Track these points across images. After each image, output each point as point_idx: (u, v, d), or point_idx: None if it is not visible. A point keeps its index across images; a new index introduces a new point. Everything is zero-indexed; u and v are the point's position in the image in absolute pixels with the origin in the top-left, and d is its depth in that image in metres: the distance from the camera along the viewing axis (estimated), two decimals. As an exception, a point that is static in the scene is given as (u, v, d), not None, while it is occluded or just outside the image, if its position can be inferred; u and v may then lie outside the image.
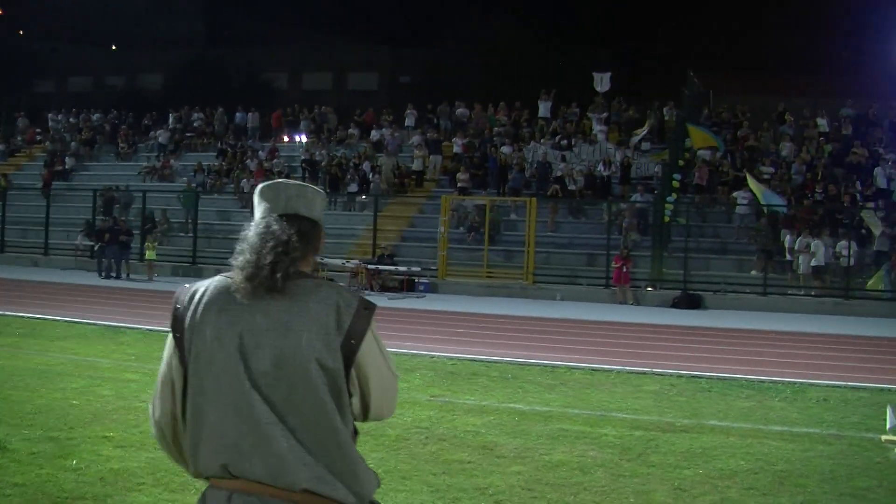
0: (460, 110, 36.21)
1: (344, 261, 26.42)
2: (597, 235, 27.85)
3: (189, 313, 2.55)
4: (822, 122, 30.98)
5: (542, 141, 32.62)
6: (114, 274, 27.92)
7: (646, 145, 31.36)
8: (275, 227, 2.56)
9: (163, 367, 2.62)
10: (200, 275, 28.69)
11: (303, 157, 35.05)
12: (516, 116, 35.16)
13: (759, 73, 44.70)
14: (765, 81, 42.08)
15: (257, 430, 2.43)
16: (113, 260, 28.01)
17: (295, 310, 2.47)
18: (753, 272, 25.49)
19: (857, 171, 27.62)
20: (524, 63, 51.33)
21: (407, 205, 32.09)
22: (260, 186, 2.70)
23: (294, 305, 2.47)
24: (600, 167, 30.34)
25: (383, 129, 35.91)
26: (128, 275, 28.01)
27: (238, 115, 40.10)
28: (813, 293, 24.36)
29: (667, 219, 26.80)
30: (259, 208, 2.67)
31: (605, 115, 33.09)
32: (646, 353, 15.22)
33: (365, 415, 2.59)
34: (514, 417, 9.53)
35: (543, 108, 34.54)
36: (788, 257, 25.04)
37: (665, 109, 32.78)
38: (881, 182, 26.78)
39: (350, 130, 36.98)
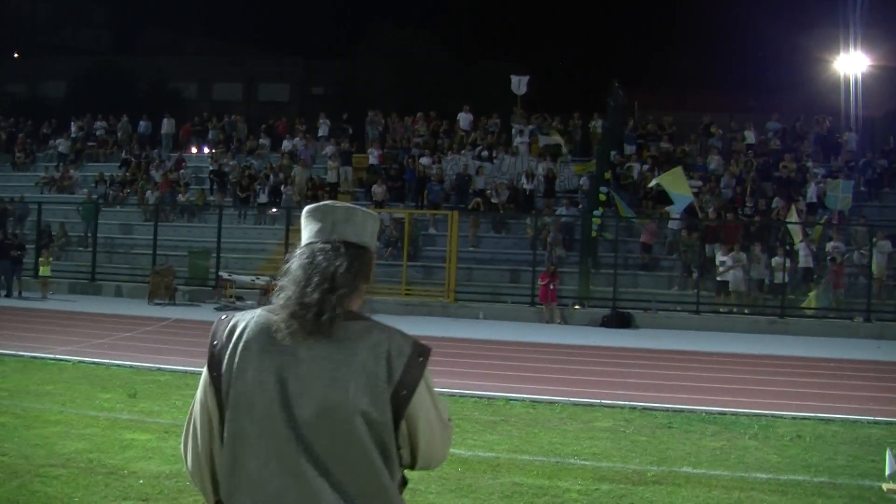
0: (374, 118, 35.24)
1: (254, 277, 24.77)
2: (521, 251, 27.00)
3: (228, 351, 2.39)
4: (750, 135, 30.48)
5: (462, 152, 31.46)
6: (4, 292, 25.71)
7: (564, 158, 30.61)
8: (320, 258, 2.42)
9: (196, 406, 2.48)
10: (99, 292, 27.60)
11: (211, 168, 33.47)
12: (435, 127, 34.04)
13: (680, 90, 44.41)
14: (686, 97, 41.77)
15: (302, 483, 2.29)
16: (3, 276, 25.98)
17: (342, 356, 2.33)
18: (675, 289, 24.97)
19: (787, 184, 26.94)
20: (441, 76, 50.71)
21: None
22: (306, 209, 2.56)
23: (341, 351, 2.33)
24: (523, 180, 29.51)
25: (296, 140, 34.45)
26: (20, 292, 25.82)
27: (141, 123, 38.20)
28: (746, 311, 23.52)
29: (594, 234, 26.05)
30: (304, 233, 2.54)
31: (528, 127, 32.25)
32: (586, 379, 14.03)
33: (413, 464, 2.47)
34: (455, 468, 7.97)
35: (464, 120, 33.74)
36: (721, 270, 24.23)
37: (591, 123, 32.31)
38: (811, 196, 26.21)
39: (261, 140, 35.46)
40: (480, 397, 12.00)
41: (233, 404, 2.37)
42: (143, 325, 19.90)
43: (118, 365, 14.03)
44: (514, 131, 32.48)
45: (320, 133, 35.53)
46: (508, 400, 11.88)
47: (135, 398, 11.23)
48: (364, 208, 2.58)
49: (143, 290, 25.67)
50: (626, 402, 11.77)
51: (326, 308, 2.32)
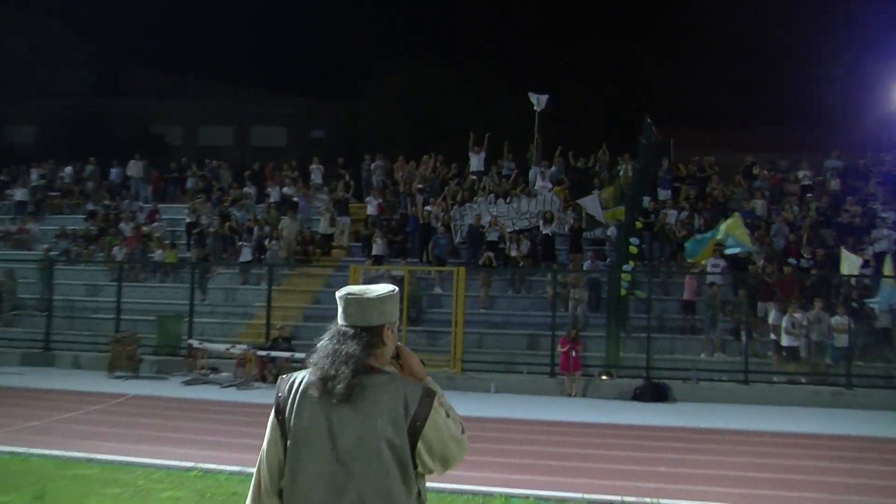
0: (376, 163, 34.81)
1: (229, 345, 24.04)
2: (539, 312, 26.21)
3: (289, 401, 3.78)
4: (805, 175, 29.76)
5: (473, 200, 30.70)
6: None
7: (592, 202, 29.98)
8: (337, 340, 3.79)
9: (266, 447, 3.84)
10: (53, 363, 26.61)
11: (187, 220, 32.98)
12: (442, 172, 33.39)
13: (719, 126, 43.56)
14: (726, 134, 40.84)
15: (341, 495, 3.61)
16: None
17: (370, 401, 3.65)
18: (719, 355, 24.26)
19: (851, 231, 26.05)
20: (455, 114, 50.37)
21: (310, 277, 30.25)
22: (344, 296, 3.88)
23: (370, 397, 3.65)
24: (540, 223, 29.28)
25: (285, 188, 34.13)
26: (-39, 365, 24.92)
27: (113, 171, 37.83)
28: (805, 380, 22.52)
29: (623, 292, 25.26)
30: (339, 313, 3.88)
31: (550, 169, 31.77)
32: (609, 468, 12.88)
33: (434, 471, 3.76)
34: None
35: (475, 162, 33.14)
36: (772, 336, 23.34)
37: (617, 166, 31.78)
38: (882, 245, 25.27)
39: (245, 189, 34.99)
40: (474, 493, 10.77)
41: (293, 439, 3.70)
42: (93, 402, 18.95)
43: (39, 455, 12.90)
44: (532, 174, 32.02)
45: (312, 179, 35.19)
46: (508, 497, 10.72)
47: (41, 502, 10.03)
48: (383, 289, 3.88)
49: (105, 360, 24.68)
50: (656, 501, 10.49)
51: (341, 380, 3.62)
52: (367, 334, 3.77)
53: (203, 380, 23.31)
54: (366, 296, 3.83)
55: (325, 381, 3.65)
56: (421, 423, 3.64)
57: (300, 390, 3.75)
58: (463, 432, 3.81)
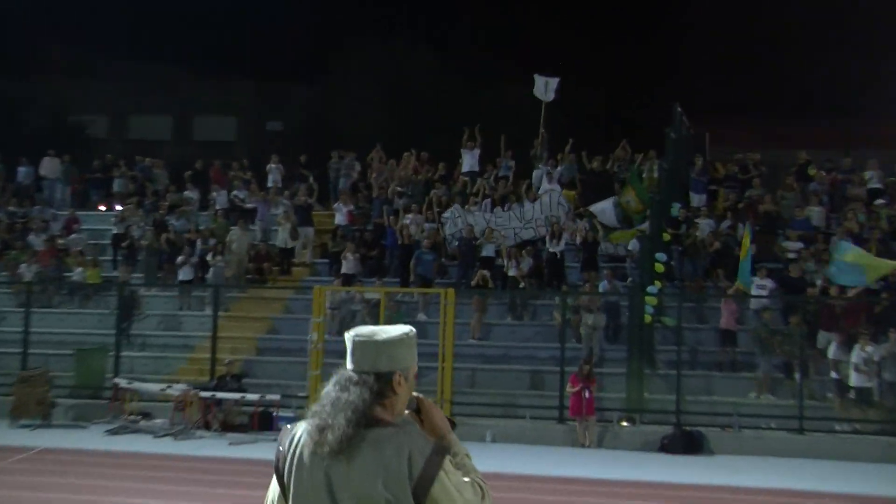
0: (346, 161, 35.11)
1: (165, 385, 24.24)
2: (545, 344, 26.35)
3: (289, 455, 4.02)
4: (872, 176, 29.95)
5: (466, 207, 30.96)
6: None
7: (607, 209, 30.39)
8: (339, 388, 4.06)
9: (266, 499, 4.17)
10: None
11: (114, 231, 33.06)
12: (427, 173, 33.68)
13: (765, 117, 43.62)
14: (778, 127, 40.90)
15: None
16: None
17: (372, 457, 3.84)
18: (767, 396, 24.31)
19: None
20: (443, 102, 50.87)
21: (266, 300, 30.46)
22: (351, 337, 4.20)
23: (372, 453, 3.85)
24: (546, 238, 29.47)
25: (235, 192, 34.30)
26: None
27: (20, 170, 37.82)
28: (875, 430, 22.58)
29: (648, 319, 25.29)
30: (347, 357, 4.18)
31: (558, 168, 32.07)
32: None
33: None
34: None
35: (468, 160, 33.37)
36: (833, 374, 23.38)
37: (638, 164, 32.19)
38: None
39: (186, 193, 35.10)
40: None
41: (292, 496, 4.01)
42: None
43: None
44: (535, 176, 32.27)
45: (270, 180, 35.36)
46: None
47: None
48: (395, 331, 4.20)
49: (8, 405, 24.54)
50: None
51: (335, 430, 3.88)
52: (376, 381, 4.02)
53: (132, 428, 23.22)
54: (374, 338, 4.12)
55: (321, 432, 3.89)
56: (427, 484, 3.81)
57: (300, 444, 4.00)
58: (484, 498, 4.00)
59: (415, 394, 4.17)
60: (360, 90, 53.32)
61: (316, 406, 4.01)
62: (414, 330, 4.21)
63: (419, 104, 51.59)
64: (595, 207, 30.39)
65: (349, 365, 4.12)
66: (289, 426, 4.12)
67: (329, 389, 4.05)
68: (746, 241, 24.97)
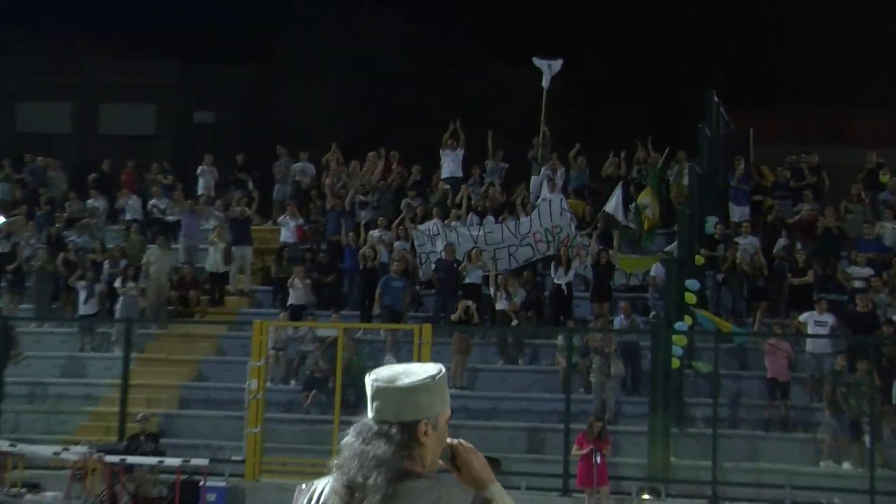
0: (296, 164, 35.10)
1: (60, 448, 24.04)
2: (546, 394, 26.78)
3: None
4: None
5: (447, 221, 31.09)
6: None
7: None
8: (362, 440, 4.32)
9: None
10: None
11: None
12: (398, 178, 33.78)
13: (830, 109, 43.69)
14: (841, 123, 41.01)
15: None
16: None
17: None
18: (827, 462, 24.18)
19: None
20: (419, 90, 50.82)
21: (191, 339, 30.58)
22: (371, 382, 4.50)
23: None
24: (543, 249, 29.68)
25: (154, 200, 34.37)
26: None
27: None
28: None
29: (676, 364, 25.28)
30: (369, 404, 4.45)
31: (559, 171, 32.24)
32: None
33: None
34: None
35: (449, 163, 33.40)
36: None
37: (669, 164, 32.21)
38: None
39: (90, 202, 35.00)
40: None
41: None
42: None
43: None
44: (534, 182, 32.44)
45: (202, 186, 35.41)
46: None
47: None
48: (420, 373, 4.47)
49: None
50: None
51: (373, 491, 4.16)
52: (399, 432, 4.29)
53: (16, 503, 23.04)
54: (395, 384, 4.38)
55: (351, 491, 4.19)
56: None
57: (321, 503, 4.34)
58: None
59: (449, 440, 4.39)
60: (313, 72, 53.35)
61: (338, 460, 4.28)
62: (443, 370, 4.45)
63: (388, 91, 51.69)
64: (609, 206, 30.57)
65: (370, 413, 4.38)
66: (303, 486, 4.43)
67: (351, 440, 4.30)
68: None
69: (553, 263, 29.44)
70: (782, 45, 52.57)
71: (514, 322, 28.42)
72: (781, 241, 28.98)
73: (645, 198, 30.52)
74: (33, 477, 24.10)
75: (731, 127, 33.35)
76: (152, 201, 34.52)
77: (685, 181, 31.05)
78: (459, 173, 33.41)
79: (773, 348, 25.68)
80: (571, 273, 29.14)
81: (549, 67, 33.17)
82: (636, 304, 28.25)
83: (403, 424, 4.28)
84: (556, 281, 29.06)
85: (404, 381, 4.36)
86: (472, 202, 32.18)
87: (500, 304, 28.69)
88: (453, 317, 28.44)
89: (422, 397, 4.32)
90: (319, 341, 28.05)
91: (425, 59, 53.41)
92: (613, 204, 30.31)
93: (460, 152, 33.46)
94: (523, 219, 30.74)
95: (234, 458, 25.44)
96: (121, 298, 30.41)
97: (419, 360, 24.76)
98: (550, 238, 29.68)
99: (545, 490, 23.91)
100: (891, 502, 22.70)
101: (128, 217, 34.20)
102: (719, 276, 28.30)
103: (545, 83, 33.17)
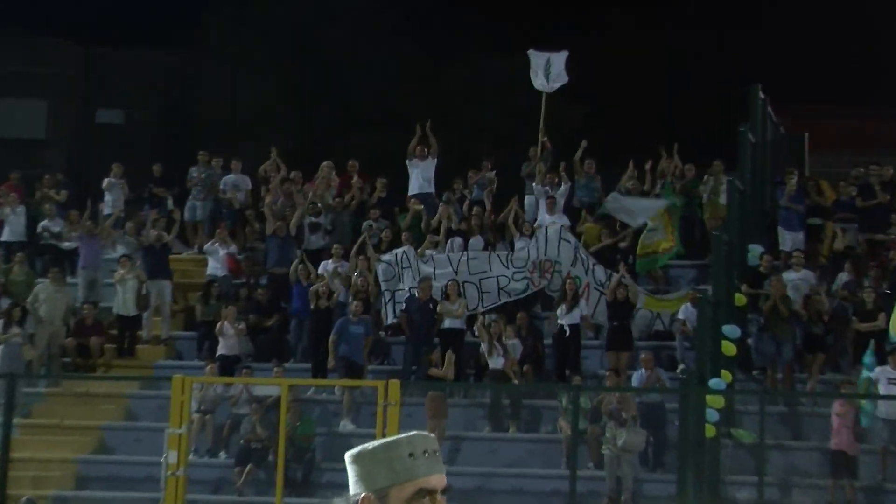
0: (228, 176, 35.19)
1: None
2: (546, 470, 26.72)
3: None
4: None
5: (420, 249, 31.16)
6: None
7: None
8: None
9: None
10: None
11: None
12: (357, 194, 33.87)
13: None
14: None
15: None
16: None
17: None
18: None
19: None
20: (384, 84, 51.30)
21: (92, 400, 30.31)
22: (351, 455, 4.69)
23: None
24: (541, 283, 29.86)
25: (45, 222, 34.18)
26: None
27: None
28: None
29: (712, 431, 25.23)
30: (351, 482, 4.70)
31: (560, 188, 32.23)
32: None
33: None
34: None
35: (419, 176, 33.48)
36: None
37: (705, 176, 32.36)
38: None
39: None
40: None
41: None
42: None
43: None
44: (529, 203, 32.65)
45: (108, 206, 35.35)
46: None
47: None
48: (380, 441, 4.80)
49: None
50: None
51: None
52: None
53: None
54: (349, 454, 4.64)
55: None
56: None
57: None
58: None
59: None
60: (247, 60, 53.74)
61: None
62: (422, 436, 4.68)
63: (343, 85, 51.96)
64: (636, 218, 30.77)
65: (354, 489, 4.60)
66: None
67: None
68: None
69: (556, 300, 29.49)
70: (847, 30, 52.87)
71: (513, 381, 28.30)
72: (843, 276, 29.11)
73: (656, 221, 30.57)
74: None
75: (781, 131, 33.31)
76: (43, 223, 34.24)
77: (722, 199, 30.93)
78: (430, 188, 33.51)
79: (841, 410, 25.69)
80: (577, 312, 29.08)
81: (547, 65, 33.18)
82: (661, 355, 28.34)
83: (348, 501, 4.53)
84: (560, 321, 29.00)
85: (355, 450, 4.58)
86: (454, 225, 32.15)
87: (495, 363, 28.39)
88: (428, 371, 28.51)
89: (359, 466, 4.55)
90: (257, 402, 28.00)
91: (390, 45, 53.68)
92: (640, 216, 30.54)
93: (432, 162, 33.47)
94: (518, 244, 30.97)
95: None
96: (0, 347, 30.31)
97: (383, 425, 25.00)
98: (545, 269, 29.86)
99: None
100: None
101: (8, 239, 34.01)
102: (764, 320, 28.18)
103: (549, 84, 33.15)
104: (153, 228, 32.78)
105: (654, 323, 30.07)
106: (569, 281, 29.21)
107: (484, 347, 28.48)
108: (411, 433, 4.68)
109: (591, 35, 48.49)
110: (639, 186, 32.50)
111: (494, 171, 33.85)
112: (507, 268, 30.41)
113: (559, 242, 30.10)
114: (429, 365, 28.71)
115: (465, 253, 30.69)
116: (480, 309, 29.55)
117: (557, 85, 33.16)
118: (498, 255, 30.63)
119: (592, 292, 29.71)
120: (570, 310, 28.73)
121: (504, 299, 30.02)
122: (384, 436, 25.30)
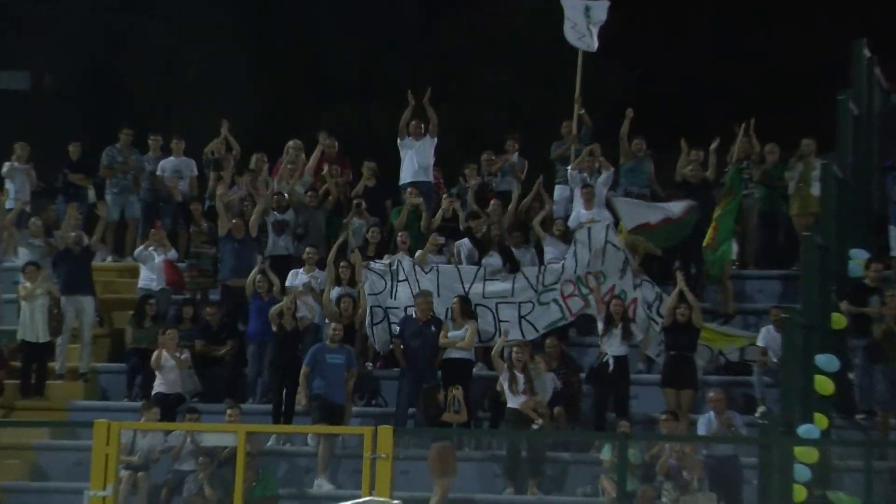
0: (173, 160, 35.30)
1: None
2: None
3: None
4: None
5: (417, 255, 31.00)
6: None
7: None
8: None
9: None
10: None
11: None
12: (337, 185, 33.83)
13: None
14: None
15: None
16: None
17: None
18: None
19: None
20: (368, 40, 51.17)
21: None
22: None
23: None
24: (577, 307, 29.87)
25: None
26: None
27: None
28: None
29: (802, 494, 24.69)
30: None
31: (602, 175, 32.15)
32: None
33: None
34: None
35: (413, 161, 33.61)
36: None
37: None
38: None
39: None
40: None
41: None
42: None
43: None
44: (558, 194, 32.82)
45: (11, 197, 35.46)
46: None
47: None
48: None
49: None
50: None
51: None
52: None
53: None
54: None
55: None
56: None
57: None
58: None
59: None
60: (193, 12, 53.56)
61: None
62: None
63: (318, 44, 52.06)
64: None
65: None
66: None
67: None
68: None
69: (600, 321, 29.09)
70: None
71: (537, 425, 28.00)
72: None
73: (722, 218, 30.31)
74: None
75: (893, 100, 32.75)
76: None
77: (815, 189, 30.73)
78: (428, 176, 33.55)
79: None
80: (627, 343, 28.84)
81: (586, 14, 32.93)
82: (735, 394, 28.18)
83: None
84: (604, 349, 28.72)
85: None
86: (461, 224, 32.09)
87: (514, 401, 28.09)
88: (444, 417, 28.08)
89: None
90: (205, 456, 27.78)
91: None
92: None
93: (430, 142, 33.51)
94: (548, 250, 30.63)
95: None
96: None
97: (370, 484, 24.41)
98: (587, 291, 29.55)
99: None
100: None
101: None
102: (872, 349, 27.76)
103: (586, 41, 32.98)
104: (70, 228, 32.52)
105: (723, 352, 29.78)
106: (615, 300, 28.87)
107: (503, 381, 28.10)
108: (363, 500, 4.07)
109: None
110: (700, 173, 32.21)
111: (516, 154, 33.37)
112: (535, 288, 30.15)
113: (604, 246, 29.77)
114: (436, 406, 28.23)
115: (480, 268, 30.41)
116: (495, 342, 29.15)
117: (596, 43, 33.03)
118: (524, 272, 30.31)
119: (639, 312, 29.34)
120: (624, 337, 28.41)
121: (529, 334, 29.60)
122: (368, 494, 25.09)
